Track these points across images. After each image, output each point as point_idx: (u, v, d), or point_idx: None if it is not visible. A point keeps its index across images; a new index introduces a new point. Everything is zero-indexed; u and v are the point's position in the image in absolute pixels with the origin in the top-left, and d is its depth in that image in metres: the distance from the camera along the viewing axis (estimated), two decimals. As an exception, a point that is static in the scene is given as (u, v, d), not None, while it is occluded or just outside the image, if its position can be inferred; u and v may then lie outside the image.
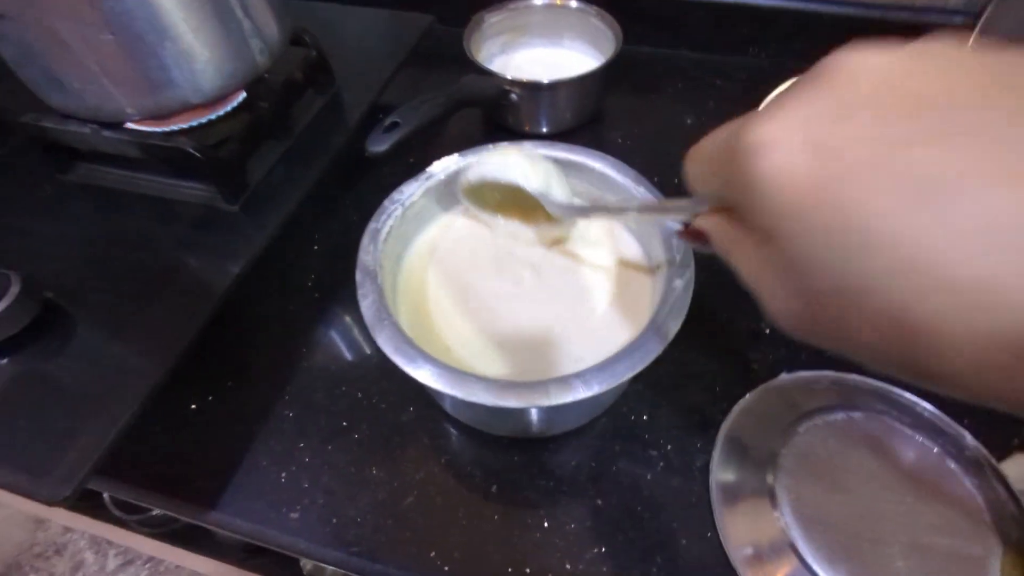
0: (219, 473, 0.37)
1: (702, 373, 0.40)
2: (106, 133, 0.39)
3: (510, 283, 0.37)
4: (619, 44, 0.54)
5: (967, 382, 0.13)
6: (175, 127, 0.42)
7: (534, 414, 0.34)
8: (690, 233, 0.26)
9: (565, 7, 0.57)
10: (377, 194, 0.52)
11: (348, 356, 0.43)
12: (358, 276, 0.33)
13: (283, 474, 0.37)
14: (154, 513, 0.88)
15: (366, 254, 0.34)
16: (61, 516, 0.90)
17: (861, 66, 0.15)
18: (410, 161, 0.55)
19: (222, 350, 0.43)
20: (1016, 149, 0.12)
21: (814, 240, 0.15)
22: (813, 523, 0.31)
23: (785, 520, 0.32)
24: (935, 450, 0.33)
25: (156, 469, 0.38)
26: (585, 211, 0.35)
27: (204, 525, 0.36)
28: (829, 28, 0.59)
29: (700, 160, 0.21)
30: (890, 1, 0.57)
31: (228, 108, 0.43)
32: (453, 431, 0.39)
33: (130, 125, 0.41)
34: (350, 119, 0.50)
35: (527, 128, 0.58)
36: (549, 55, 0.62)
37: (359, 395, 0.40)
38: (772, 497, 0.33)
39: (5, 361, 0.36)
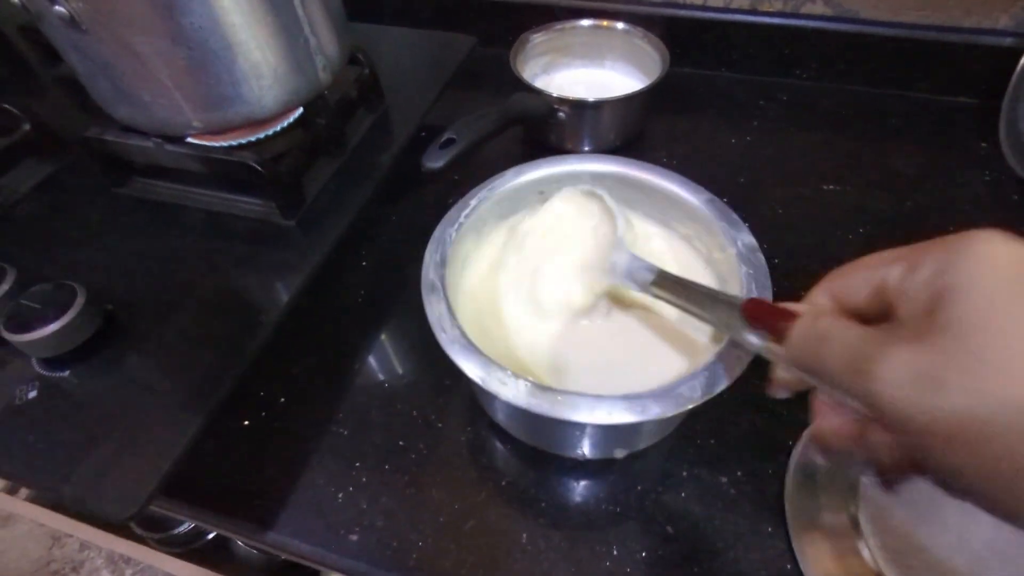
0: (275, 492, 0.36)
1: (766, 397, 0.38)
2: (169, 147, 0.40)
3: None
4: (666, 66, 0.54)
5: None
6: (234, 142, 0.42)
7: (598, 433, 0.33)
8: (758, 308, 0.23)
9: (611, 28, 0.57)
10: (421, 210, 0.52)
11: (402, 373, 0.42)
12: (424, 286, 0.32)
13: (340, 494, 0.36)
14: (175, 532, 0.87)
15: (431, 264, 0.33)
16: (81, 532, 0.89)
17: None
18: (455, 178, 0.55)
19: (273, 366, 0.42)
20: None
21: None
22: (903, 555, 0.30)
23: (872, 552, 0.30)
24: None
25: (211, 488, 0.37)
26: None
27: (263, 547, 0.35)
28: (873, 49, 0.59)
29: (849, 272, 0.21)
30: (937, 22, 0.57)
31: (285, 124, 0.43)
32: (513, 452, 0.38)
33: (190, 139, 0.41)
34: (398, 137, 0.50)
35: (569, 146, 0.57)
36: (591, 75, 0.62)
37: (414, 413, 0.40)
38: (856, 528, 0.31)
39: (67, 373, 0.35)
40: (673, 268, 0.34)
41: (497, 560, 0.33)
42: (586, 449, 0.35)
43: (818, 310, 0.21)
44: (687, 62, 0.64)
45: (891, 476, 0.19)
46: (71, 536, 1.21)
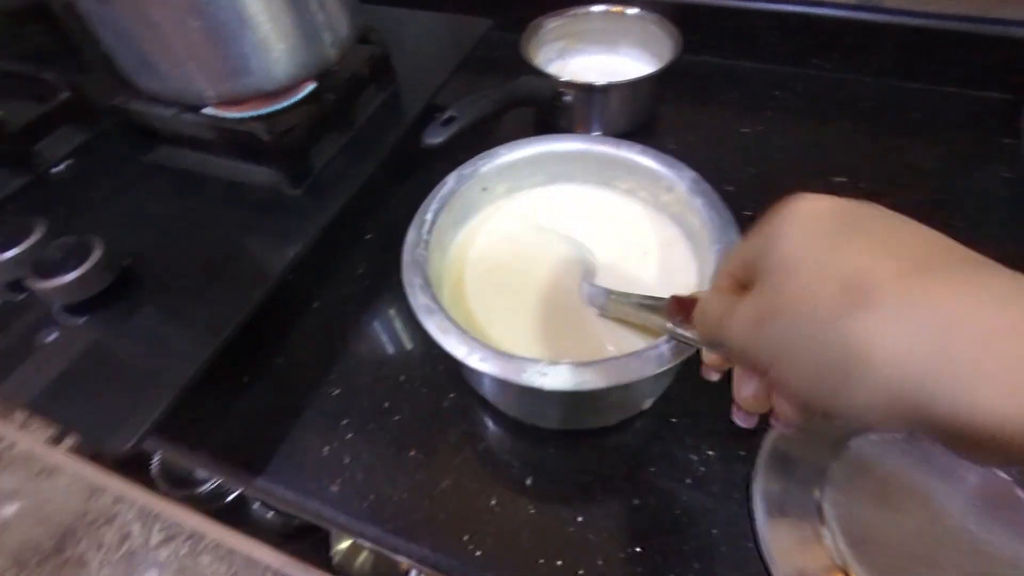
0: (266, 444, 0.39)
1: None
2: (185, 116, 0.42)
3: (552, 274, 0.37)
4: (678, 50, 0.53)
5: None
6: (247, 114, 0.44)
7: (574, 403, 0.34)
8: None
9: (624, 15, 0.57)
10: (427, 189, 0.53)
11: (393, 342, 0.44)
12: (405, 262, 0.34)
13: (326, 448, 0.38)
14: (199, 491, 0.92)
15: (413, 243, 0.35)
16: (114, 486, 0.95)
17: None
18: (460, 159, 0.56)
19: (275, 330, 0.44)
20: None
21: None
22: (864, 543, 0.30)
23: (833, 538, 0.30)
24: (1004, 477, 0.31)
25: (208, 436, 0.40)
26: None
27: (253, 493, 0.37)
28: (897, 40, 0.57)
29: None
30: (966, 12, 0.55)
31: (297, 98, 0.45)
32: (492, 420, 0.39)
33: (207, 110, 0.44)
34: (407, 116, 0.52)
35: (578, 130, 0.58)
36: (605, 62, 0.62)
37: (402, 379, 0.41)
38: (820, 513, 0.31)
39: (83, 320, 0.38)
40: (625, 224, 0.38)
41: (467, 519, 0.34)
42: (562, 418, 0.36)
43: (708, 292, 0.24)
44: (705, 50, 0.64)
45: (791, 421, 0.22)
46: (106, 490, 1.30)
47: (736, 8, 0.61)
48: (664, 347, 0.28)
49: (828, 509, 0.31)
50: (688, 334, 0.26)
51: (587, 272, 0.37)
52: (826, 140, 0.55)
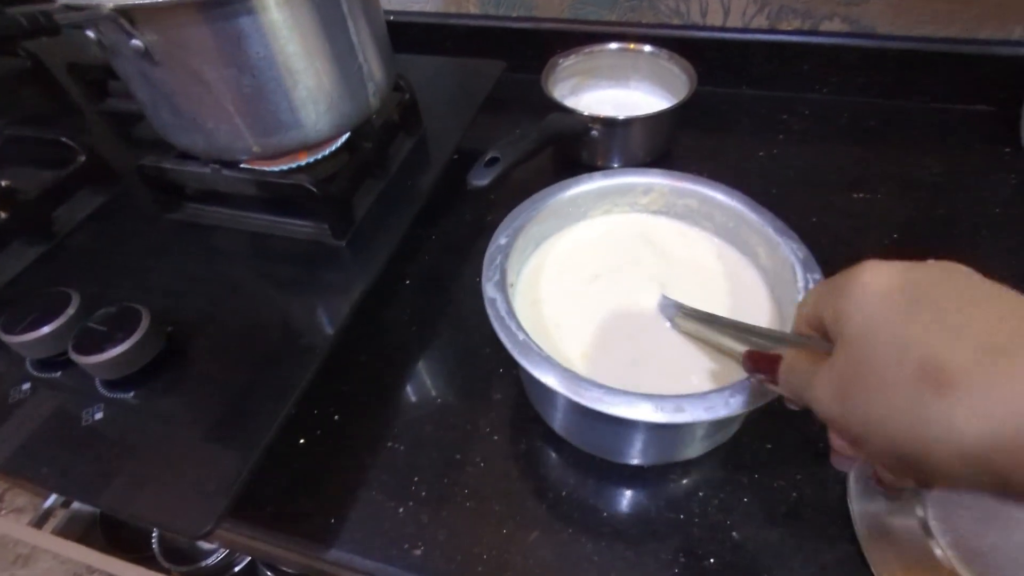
0: (333, 509, 0.37)
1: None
2: (226, 172, 0.41)
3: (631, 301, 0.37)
4: (693, 84, 0.55)
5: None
6: (286, 166, 0.43)
7: (658, 437, 0.33)
8: (756, 359, 0.26)
9: (638, 51, 0.59)
10: (460, 228, 0.53)
11: (452, 388, 0.42)
12: (486, 293, 0.33)
13: (400, 509, 0.36)
14: (205, 563, 0.86)
15: (491, 270, 0.34)
16: (111, 566, 0.88)
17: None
18: (490, 197, 0.56)
19: (326, 384, 0.42)
20: None
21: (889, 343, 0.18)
22: (978, 555, 0.30)
23: (946, 553, 0.30)
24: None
25: (270, 507, 0.37)
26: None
27: (325, 567, 0.35)
28: (891, 63, 0.61)
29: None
30: (953, 35, 0.59)
31: (334, 147, 0.45)
32: (570, 462, 0.38)
33: (244, 165, 0.43)
34: (437, 159, 0.52)
35: (600, 163, 0.59)
36: (617, 96, 0.64)
37: (468, 427, 0.40)
38: (926, 529, 0.31)
39: (131, 394, 0.36)
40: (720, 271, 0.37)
41: (565, 571, 0.33)
42: (643, 453, 0.35)
43: (790, 352, 0.24)
44: (709, 80, 0.66)
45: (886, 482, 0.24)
46: (95, 572, 1.20)
47: (737, 40, 0.64)
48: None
49: (935, 526, 0.31)
50: (769, 387, 0.26)
51: (662, 285, 0.37)
52: (839, 159, 0.58)
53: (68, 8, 0.30)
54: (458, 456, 0.38)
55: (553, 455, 0.38)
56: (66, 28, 0.31)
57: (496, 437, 0.39)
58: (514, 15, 0.70)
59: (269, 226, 0.45)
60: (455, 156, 0.53)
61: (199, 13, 0.31)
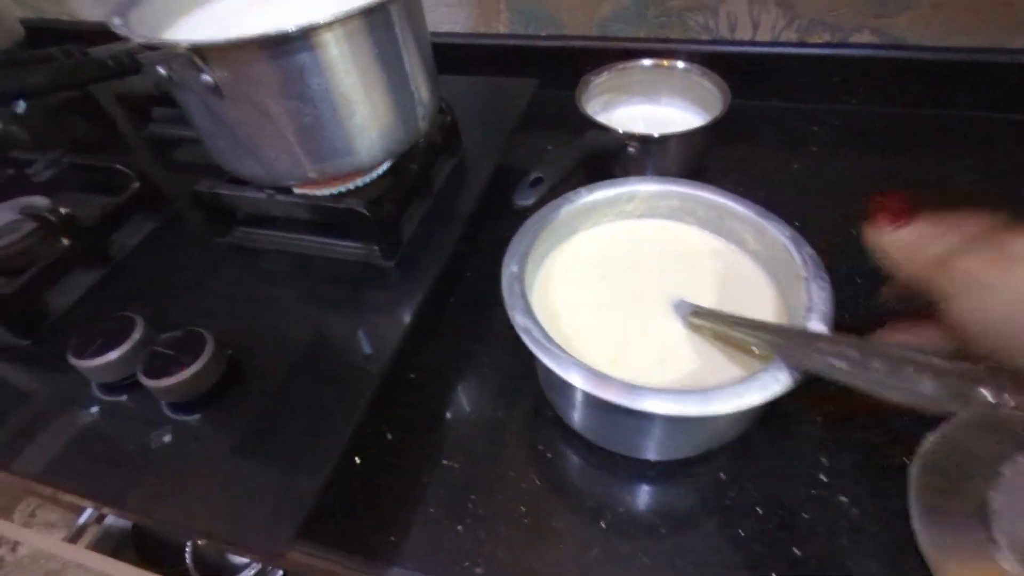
0: (393, 526, 0.37)
1: (875, 409, 0.39)
2: (280, 198, 0.42)
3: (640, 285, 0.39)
4: (727, 101, 0.56)
5: None
6: (336, 190, 0.44)
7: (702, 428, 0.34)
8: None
9: (671, 67, 0.60)
10: (500, 247, 0.53)
11: (503, 404, 0.43)
12: (517, 322, 0.33)
13: (459, 526, 0.37)
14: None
15: (513, 299, 0.35)
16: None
17: None
18: (528, 215, 0.57)
19: (377, 403, 0.43)
20: None
21: None
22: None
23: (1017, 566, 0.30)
24: None
25: (330, 526, 0.38)
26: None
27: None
28: (922, 73, 0.61)
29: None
30: (985, 44, 0.59)
31: (382, 170, 0.46)
32: (620, 475, 0.38)
33: (296, 189, 0.44)
34: (477, 178, 0.53)
35: (625, 175, 0.59)
36: (649, 111, 0.65)
37: (520, 443, 0.40)
38: (994, 545, 0.31)
39: (196, 417, 0.37)
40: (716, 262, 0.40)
41: (627, 588, 0.33)
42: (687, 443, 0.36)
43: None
44: (739, 93, 0.66)
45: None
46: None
47: (766, 54, 0.65)
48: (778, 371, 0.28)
49: (1002, 540, 0.31)
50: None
51: (664, 283, 0.39)
52: (873, 169, 0.58)
53: (146, 48, 0.31)
54: (512, 473, 0.39)
55: (604, 472, 0.38)
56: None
57: (550, 455, 0.40)
58: (543, 33, 0.71)
59: (319, 248, 0.46)
60: (524, 176, 0.54)
61: (266, 51, 0.33)
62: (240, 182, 0.44)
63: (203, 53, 0.32)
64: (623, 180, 0.43)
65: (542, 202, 0.47)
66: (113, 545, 1.01)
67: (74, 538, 0.94)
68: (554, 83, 0.67)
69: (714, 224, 0.42)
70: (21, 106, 0.63)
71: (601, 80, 0.62)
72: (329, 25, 0.33)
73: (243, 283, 0.46)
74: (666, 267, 0.40)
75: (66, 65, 0.28)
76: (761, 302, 0.38)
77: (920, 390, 0.25)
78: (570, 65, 0.66)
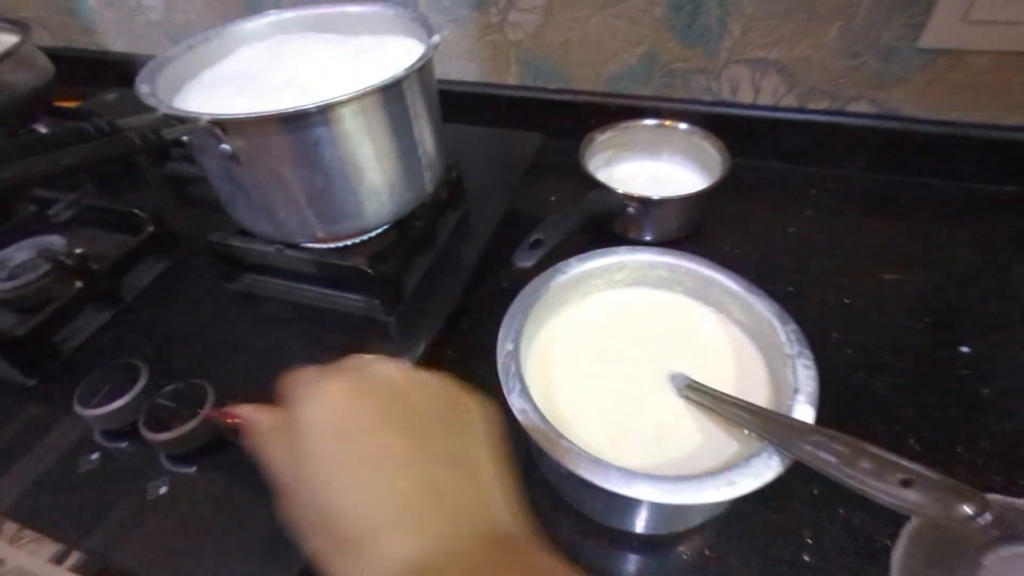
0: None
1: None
2: (288, 252, 0.44)
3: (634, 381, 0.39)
4: (727, 166, 0.57)
5: None
6: (342, 244, 0.46)
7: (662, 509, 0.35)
8: (225, 414, 0.29)
9: (673, 128, 0.62)
10: (500, 299, 0.54)
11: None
12: (514, 405, 0.34)
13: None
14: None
15: (511, 380, 0.35)
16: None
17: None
18: (525, 276, 0.58)
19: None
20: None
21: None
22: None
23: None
24: None
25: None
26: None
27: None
28: (919, 143, 0.63)
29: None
30: (979, 120, 0.60)
31: (386, 226, 0.47)
32: (606, 543, 0.38)
33: (304, 244, 0.45)
34: (481, 233, 0.54)
35: (632, 236, 0.61)
36: (650, 168, 0.66)
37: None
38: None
39: (193, 469, 0.38)
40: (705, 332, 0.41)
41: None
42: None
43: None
44: (739, 152, 0.67)
45: None
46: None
47: (766, 118, 0.66)
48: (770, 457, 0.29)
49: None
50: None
51: (657, 354, 0.40)
52: (870, 236, 0.59)
53: (171, 118, 0.33)
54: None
55: (592, 539, 0.39)
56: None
57: (537, 518, 0.40)
58: (552, 87, 0.73)
59: (322, 298, 0.48)
60: (524, 238, 0.55)
61: (283, 124, 0.34)
62: (251, 234, 0.45)
63: (224, 125, 0.34)
64: (613, 250, 0.44)
65: (542, 263, 0.49)
66: (96, 568, 1.01)
67: (60, 559, 0.93)
68: (560, 134, 0.69)
69: (702, 294, 0.43)
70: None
71: (605, 137, 0.64)
72: (346, 101, 0.34)
73: (247, 330, 0.47)
74: (660, 339, 0.41)
75: (97, 146, 0.29)
76: (752, 375, 0.39)
77: (905, 497, 0.26)
78: (576, 118, 0.68)
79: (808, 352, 0.36)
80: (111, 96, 0.87)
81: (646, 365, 0.40)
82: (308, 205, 0.39)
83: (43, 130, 0.62)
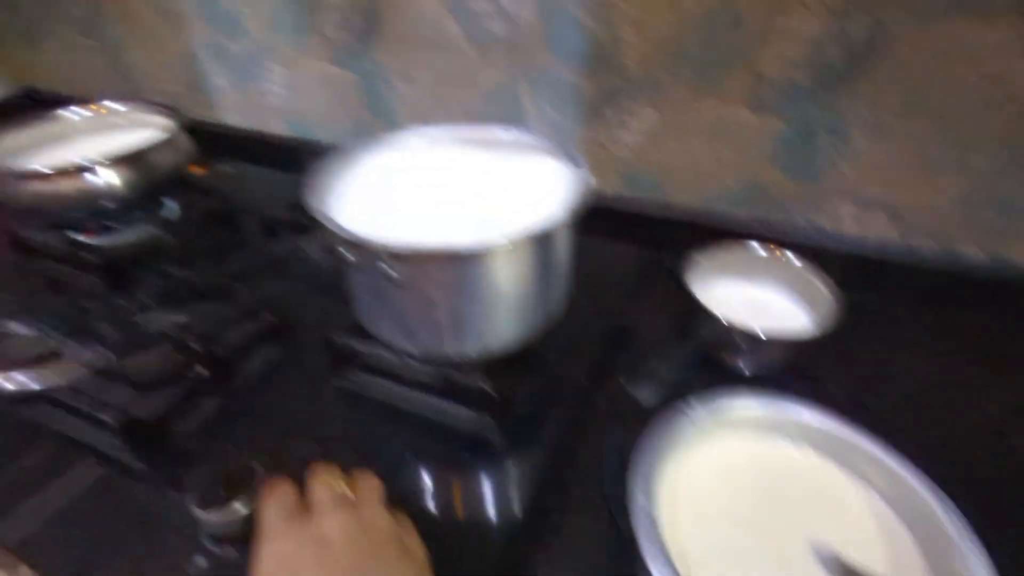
0: None
1: None
2: (411, 362, 0.44)
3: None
4: (840, 310, 0.56)
5: None
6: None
7: None
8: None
9: (783, 258, 0.62)
10: (606, 421, 0.53)
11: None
12: (644, 550, 0.32)
13: None
14: None
15: (644, 517, 0.34)
16: None
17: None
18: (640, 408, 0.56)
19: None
20: None
21: None
22: None
23: None
24: None
25: None
26: None
27: None
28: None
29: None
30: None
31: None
32: None
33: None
34: (586, 350, 0.54)
35: (731, 363, 0.59)
36: (748, 292, 0.65)
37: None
38: None
39: None
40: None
41: None
42: None
43: None
44: (838, 285, 0.67)
45: None
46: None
47: (869, 254, 0.66)
48: None
49: None
50: None
51: (808, 526, 0.37)
52: (1000, 391, 0.56)
53: (346, 242, 0.35)
54: None
55: None
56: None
57: None
58: (649, 199, 0.75)
59: (428, 407, 0.47)
60: (641, 369, 0.54)
61: (450, 258, 0.35)
62: (370, 335, 0.46)
63: (396, 254, 0.35)
64: (739, 394, 0.42)
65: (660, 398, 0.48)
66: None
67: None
68: (655, 246, 0.70)
69: (833, 452, 0.40)
70: (175, 211, 0.69)
71: (707, 257, 0.64)
72: (516, 241, 0.35)
73: (353, 429, 0.47)
74: (795, 502, 0.39)
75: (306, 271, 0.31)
76: (905, 557, 0.36)
77: None
78: (672, 233, 0.69)
79: (974, 538, 0.33)
80: (229, 168, 0.94)
81: (784, 530, 0.37)
82: (448, 326, 0.39)
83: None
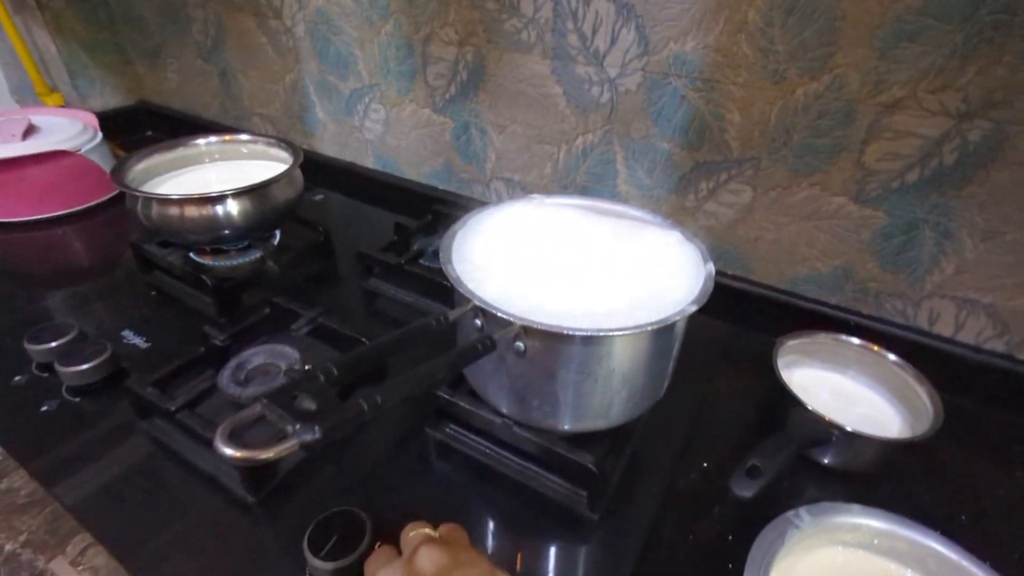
0: None
1: None
2: (517, 429, 0.45)
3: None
4: (939, 417, 0.54)
5: None
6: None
7: None
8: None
9: (881, 356, 0.60)
10: (699, 513, 0.52)
11: None
12: None
13: None
14: None
15: None
16: None
17: None
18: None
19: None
20: None
21: None
22: None
23: None
24: None
25: None
26: None
27: None
28: None
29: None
30: None
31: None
32: None
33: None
34: (678, 425, 0.54)
35: (824, 460, 0.57)
36: (833, 381, 0.64)
37: None
38: None
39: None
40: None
41: None
42: None
43: None
44: (946, 389, 0.64)
45: None
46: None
47: (965, 357, 0.64)
48: None
49: None
50: None
51: None
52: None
53: (481, 312, 0.37)
54: None
55: None
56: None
57: None
58: (732, 273, 0.75)
59: (522, 473, 0.48)
60: (739, 464, 0.53)
61: (580, 339, 0.36)
62: (477, 395, 0.47)
63: (529, 331, 0.36)
64: (847, 507, 0.42)
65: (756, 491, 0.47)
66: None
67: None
68: (742, 322, 0.70)
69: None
70: (276, 237, 0.73)
71: (795, 343, 0.63)
72: (648, 329, 0.36)
73: (448, 487, 0.48)
74: None
75: (454, 358, 0.33)
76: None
77: None
78: (755, 310, 0.69)
79: None
80: (318, 197, 0.98)
81: None
82: (564, 402, 0.40)
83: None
